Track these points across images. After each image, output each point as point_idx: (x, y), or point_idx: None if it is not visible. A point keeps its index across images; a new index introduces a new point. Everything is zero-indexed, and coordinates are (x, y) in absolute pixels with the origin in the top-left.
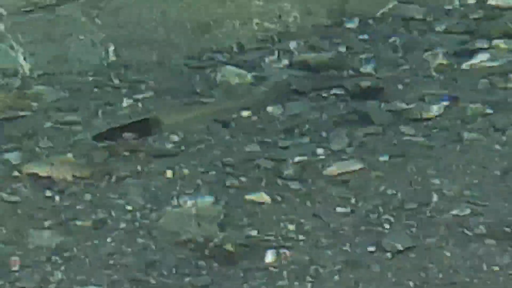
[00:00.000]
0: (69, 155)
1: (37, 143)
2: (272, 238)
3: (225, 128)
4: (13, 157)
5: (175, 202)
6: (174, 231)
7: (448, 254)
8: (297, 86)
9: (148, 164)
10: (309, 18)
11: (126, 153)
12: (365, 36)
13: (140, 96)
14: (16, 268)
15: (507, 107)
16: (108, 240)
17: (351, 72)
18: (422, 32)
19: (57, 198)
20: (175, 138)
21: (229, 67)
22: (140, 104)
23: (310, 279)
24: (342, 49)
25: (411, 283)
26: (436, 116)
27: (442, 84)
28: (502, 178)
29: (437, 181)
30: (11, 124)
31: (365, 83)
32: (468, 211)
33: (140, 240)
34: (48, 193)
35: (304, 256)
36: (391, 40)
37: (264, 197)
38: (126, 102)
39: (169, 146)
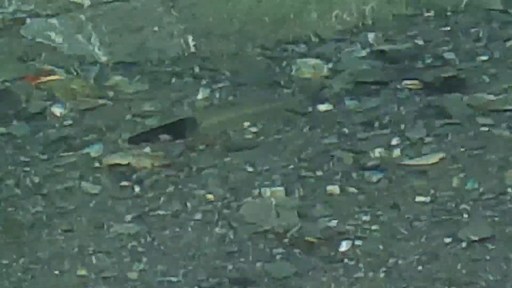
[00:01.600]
0: (147, 148)
1: (116, 134)
2: (349, 229)
3: (302, 120)
4: (94, 148)
5: (254, 193)
6: (253, 221)
7: None
8: (375, 77)
9: (225, 157)
10: (388, 8)
11: (202, 147)
12: (446, 28)
13: (217, 87)
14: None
15: None
16: (188, 230)
17: (430, 63)
18: (504, 23)
19: (137, 188)
20: (254, 129)
21: (305, 59)
22: (217, 95)
23: (385, 270)
24: (421, 40)
25: (490, 276)
26: None
27: None
28: None
29: None
30: (91, 114)
31: (445, 75)
32: None
33: (219, 230)
34: (128, 184)
35: (379, 247)
36: (472, 30)
37: (341, 189)
38: (203, 93)
39: (247, 137)
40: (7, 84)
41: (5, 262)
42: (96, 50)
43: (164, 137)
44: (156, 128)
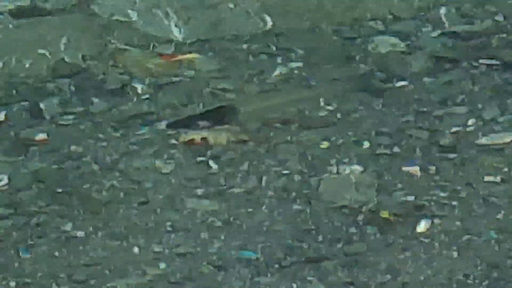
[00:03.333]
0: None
1: (192, 110)
2: (426, 204)
3: (379, 98)
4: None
5: (331, 169)
6: (330, 198)
7: None
8: (451, 55)
9: (301, 134)
10: None
11: (278, 124)
12: None
13: (293, 65)
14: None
15: None
16: (263, 207)
17: (507, 41)
18: None
19: (213, 164)
20: (329, 107)
21: (382, 36)
22: (293, 73)
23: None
24: (499, 18)
25: None
26: None
27: None
28: None
29: None
30: (166, 90)
31: None
32: None
33: (296, 207)
34: (204, 159)
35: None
36: None
37: (417, 168)
38: (278, 70)
39: (323, 114)
40: (85, 60)
41: (82, 236)
42: (172, 27)
43: (203, 123)
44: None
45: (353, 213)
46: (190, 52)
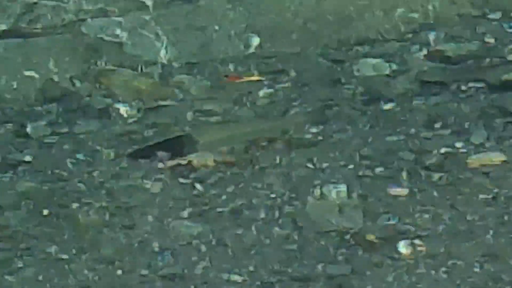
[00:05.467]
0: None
1: (180, 132)
2: (409, 228)
3: (364, 119)
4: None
5: (316, 191)
6: (315, 220)
7: None
8: (438, 78)
9: (287, 155)
10: (452, 8)
11: (264, 143)
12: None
13: (279, 86)
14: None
15: None
16: (251, 229)
17: (493, 63)
18: None
19: (198, 186)
20: (314, 129)
21: (368, 59)
22: (279, 94)
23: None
24: (489, 39)
25: None
26: None
27: None
28: None
29: None
30: (155, 113)
31: (508, 76)
32: None
33: (280, 230)
34: (189, 181)
35: (440, 248)
36: None
37: (404, 189)
38: (264, 92)
39: (308, 136)
40: (72, 81)
41: (68, 258)
42: (162, 49)
43: (162, 154)
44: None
45: (339, 235)
46: (253, 74)
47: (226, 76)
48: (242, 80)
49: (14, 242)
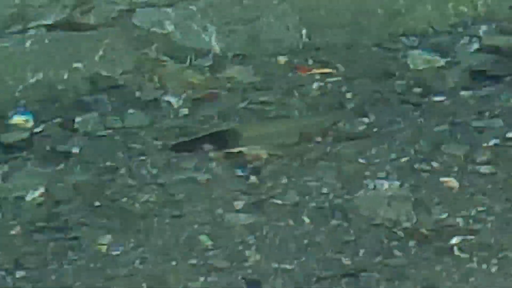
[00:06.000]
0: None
1: (230, 123)
2: (460, 220)
3: (415, 111)
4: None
5: (368, 184)
6: (367, 213)
7: None
8: (489, 70)
9: (338, 148)
10: (503, 0)
11: (317, 138)
12: None
13: (330, 79)
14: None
15: None
16: (303, 220)
17: None
18: None
19: (251, 178)
20: (365, 120)
21: (419, 52)
22: (331, 86)
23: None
24: None
25: None
26: None
27: None
28: None
29: None
30: (206, 104)
31: None
32: None
33: (334, 221)
34: (242, 172)
35: (491, 241)
36: None
37: (455, 182)
38: (316, 85)
39: (360, 128)
40: (122, 73)
41: (118, 252)
42: (211, 40)
43: (206, 147)
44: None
45: (389, 228)
46: (323, 66)
47: (296, 67)
48: (311, 72)
49: (65, 233)
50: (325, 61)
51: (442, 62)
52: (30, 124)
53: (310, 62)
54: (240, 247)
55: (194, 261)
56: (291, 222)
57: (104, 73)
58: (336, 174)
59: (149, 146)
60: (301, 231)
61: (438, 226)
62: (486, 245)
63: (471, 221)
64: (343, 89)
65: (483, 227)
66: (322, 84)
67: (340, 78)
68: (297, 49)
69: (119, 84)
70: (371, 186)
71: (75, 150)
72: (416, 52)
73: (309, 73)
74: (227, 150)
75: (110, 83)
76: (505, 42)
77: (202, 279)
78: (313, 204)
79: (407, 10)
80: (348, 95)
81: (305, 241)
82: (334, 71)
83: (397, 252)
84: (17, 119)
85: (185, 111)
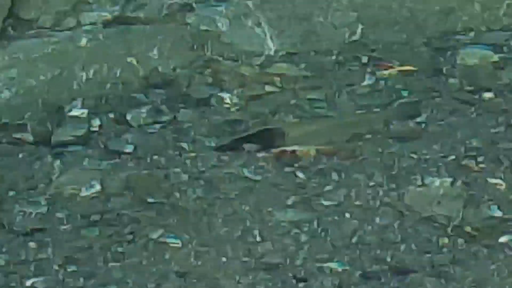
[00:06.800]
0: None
1: (280, 121)
2: (510, 218)
3: (467, 109)
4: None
5: (418, 181)
6: (417, 210)
7: None
8: None
9: (389, 145)
10: None
11: (368, 136)
12: None
13: (382, 76)
14: None
15: None
16: (351, 217)
17: None
18: None
19: (300, 175)
20: (418, 117)
21: (472, 49)
22: (382, 83)
23: None
24: None
25: None
26: None
27: None
28: None
29: None
30: (257, 101)
31: None
32: None
33: (382, 219)
34: (291, 170)
35: None
36: None
37: (504, 180)
38: (368, 81)
39: (412, 126)
40: (175, 70)
41: (171, 245)
42: (264, 38)
43: (249, 146)
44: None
45: (439, 225)
46: (402, 65)
47: (377, 64)
48: (393, 69)
49: (118, 228)
50: (379, 58)
51: (495, 58)
52: (86, 120)
53: (364, 59)
54: (290, 244)
55: (245, 258)
56: (339, 219)
57: (157, 69)
58: (386, 172)
59: (200, 142)
60: (349, 229)
61: (487, 224)
62: None
63: None
64: (396, 86)
65: None
66: (374, 81)
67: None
68: (351, 46)
69: (172, 80)
70: (421, 183)
71: (128, 146)
72: (469, 49)
73: (391, 70)
74: (276, 149)
75: (163, 79)
76: None
77: (252, 275)
78: (362, 202)
79: (461, 7)
80: (401, 93)
81: (354, 239)
82: (416, 68)
83: (445, 250)
84: (73, 114)
85: (236, 107)
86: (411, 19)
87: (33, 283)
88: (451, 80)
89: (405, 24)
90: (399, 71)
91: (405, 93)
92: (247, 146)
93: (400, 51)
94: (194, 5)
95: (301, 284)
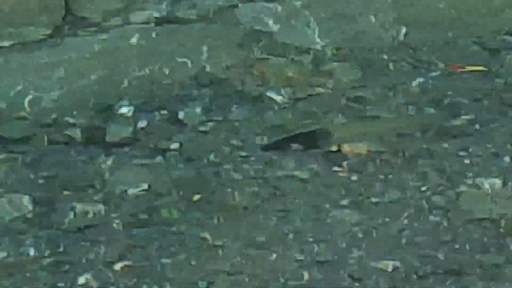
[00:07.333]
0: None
1: (331, 120)
2: None
3: None
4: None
5: (469, 181)
6: (467, 210)
7: None
8: None
9: (440, 145)
10: None
11: (418, 135)
12: None
13: (430, 75)
14: None
15: None
16: (402, 217)
17: None
18: None
19: (351, 174)
20: (466, 117)
21: None
22: (430, 82)
23: None
24: None
25: None
26: None
27: None
28: None
29: None
30: (307, 101)
31: None
32: None
33: (433, 219)
34: (341, 169)
35: None
36: None
37: None
38: (416, 81)
39: (461, 126)
40: (225, 68)
41: (222, 244)
42: (314, 37)
43: (296, 146)
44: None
45: (491, 225)
46: (477, 65)
47: (447, 64)
48: (463, 70)
49: (166, 227)
50: (424, 59)
51: None
52: (136, 118)
53: (410, 60)
54: (343, 243)
55: (298, 257)
56: (390, 219)
57: (207, 68)
58: (437, 172)
59: (251, 141)
60: (400, 229)
61: None
62: None
63: None
64: (443, 86)
65: None
66: (422, 81)
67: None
68: (397, 46)
69: (223, 79)
70: (472, 183)
71: (178, 144)
72: None
73: (461, 70)
74: (327, 149)
75: (213, 78)
76: None
77: (306, 274)
78: (413, 201)
79: (509, 7)
80: (448, 92)
81: (405, 239)
82: (486, 69)
83: (496, 250)
84: (123, 113)
85: (286, 107)
86: (458, 19)
87: (85, 281)
88: (498, 81)
89: (451, 24)
90: (471, 71)
91: (453, 93)
92: (294, 146)
93: (446, 51)
94: (243, 4)
95: (355, 283)
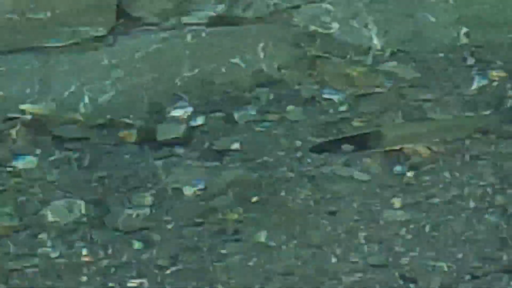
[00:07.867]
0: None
1: (391, 120)
2: None
3: None
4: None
5: None
6: None
7: None
8: None
9: (499, 145)
10: None
11: (478, 136)
12: None
13: (491, 77)
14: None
15: None
16: (460, 216)
17: None
18: None
19: (409, 174)
20: None
21: None
22: (493, 84)
23: None
24: None
25: None
26: None
27: None
28: None
29: None
30: (365, 100)
31: None
32: None
33: (492, 218)
34: (399, 169)
35: None
36: None
37: None
38: (476, 84)
39: None
40: (280, 69)
41: (276, 244)
42: (372, 37)
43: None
44: None
45: None
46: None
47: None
48: None
49: (222, 227)
50: (486, 60)
51: None
52: (190, 118)
53: (471, 61)
54: (397, 244)
55: (351, 258)
56: (448, 219)
57: (263, 68)
58: (496, 172)
59: (307, 141)
60: (459, 228)
61: None
62: None
63: None
64: (505, 87)
65: None
66: (482, 82)
67: (502, 75)
68: (458, 47)
69: (279, 79)
70: None
71: (234, 145)
72: None
73: None
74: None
75: (269, 79)
76: None
77: (359, 275)
78: (472, 201)
79: None
80: (509, 93)
81: (463, 238)
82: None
83: None
84: (177, 113)
85: (344, 107)
86: None
87: (139, 283)
88: None
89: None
90: None
91: None
92: (344, 147)
93: (508, 52)
94: (300, 4)
95: (409, 284)
